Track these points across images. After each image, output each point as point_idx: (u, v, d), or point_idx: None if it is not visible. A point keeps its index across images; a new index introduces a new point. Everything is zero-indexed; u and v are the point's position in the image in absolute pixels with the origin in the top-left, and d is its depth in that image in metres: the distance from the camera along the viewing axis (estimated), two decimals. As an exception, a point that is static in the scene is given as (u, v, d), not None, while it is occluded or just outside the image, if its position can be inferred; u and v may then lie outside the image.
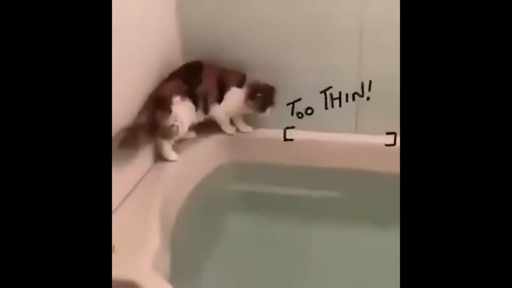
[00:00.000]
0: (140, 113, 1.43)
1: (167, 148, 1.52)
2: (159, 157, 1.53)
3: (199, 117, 1.57)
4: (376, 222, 1.54)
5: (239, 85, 1.60)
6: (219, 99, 1.59)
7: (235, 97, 1.60)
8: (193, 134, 1.63)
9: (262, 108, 1.60)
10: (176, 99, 1.48)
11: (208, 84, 1.56)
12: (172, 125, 1.48)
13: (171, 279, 1.12)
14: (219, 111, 1.61)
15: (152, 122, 1.44)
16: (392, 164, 1.52)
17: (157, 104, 1.46)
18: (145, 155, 1.47)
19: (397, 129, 1.53)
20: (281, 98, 1.61)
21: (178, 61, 1.62)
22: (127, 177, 1.37)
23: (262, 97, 1.58)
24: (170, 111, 1.47)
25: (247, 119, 1.68)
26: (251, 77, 1.61)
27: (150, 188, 1.39)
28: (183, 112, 1.50)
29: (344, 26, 1.53)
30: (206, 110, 1.58)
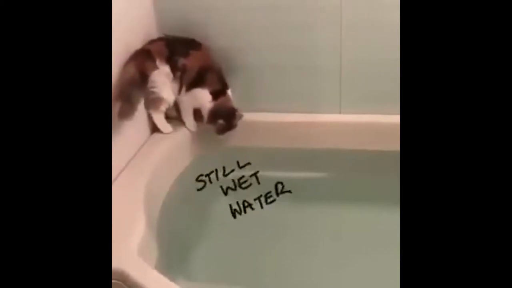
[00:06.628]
0: (125, 66, 1.36)
1: (160, 120, 1.52)
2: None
3: (174, 89, 1.50)
4: (366, 200, 1.55)
5: (212, 94, 1.51)
6: (189, 87, 1.51)
7: (199, 96, 1.51)
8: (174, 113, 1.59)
9: (221, 133, 1.53)
10: (156, 62, 1.43)
11: (190, 63, 1.48)
12: (152, 93, 1.44)
13: (158, 265, 1.12)
14: (184, 98, 1.53)
15: (141, 73, 1.38)
16: (376, 142, 1.54)
17: (143, 56, 1.41)
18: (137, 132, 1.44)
19: (378, 107, 1.54)
20: (263, 78, 1.60)
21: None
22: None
23: (222, 124, 1.51)
24: (156, 66, 1.42)
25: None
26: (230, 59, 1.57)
27: (134, 176, 1.37)
28: (160, 78, 1.44)
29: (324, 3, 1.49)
30: (180, 88, 1.50)
